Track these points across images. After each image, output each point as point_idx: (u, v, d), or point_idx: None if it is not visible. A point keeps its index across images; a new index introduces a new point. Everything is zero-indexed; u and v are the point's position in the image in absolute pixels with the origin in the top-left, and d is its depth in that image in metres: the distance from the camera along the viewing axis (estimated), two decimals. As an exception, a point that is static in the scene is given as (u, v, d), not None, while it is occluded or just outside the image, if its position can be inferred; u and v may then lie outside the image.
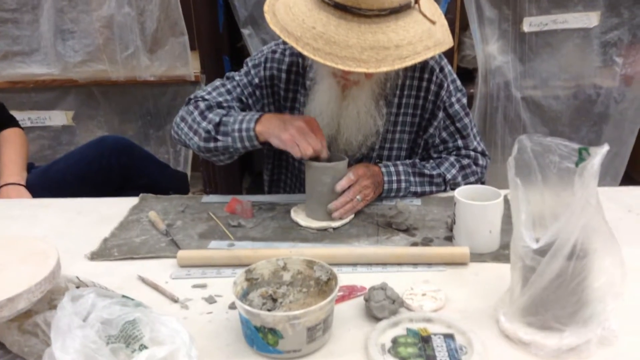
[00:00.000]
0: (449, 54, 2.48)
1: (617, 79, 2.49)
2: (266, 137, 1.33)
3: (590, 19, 2.41)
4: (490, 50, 2.48)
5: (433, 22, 1.22)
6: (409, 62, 1.16)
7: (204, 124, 1.41)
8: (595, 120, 2.56)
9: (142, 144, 2.68)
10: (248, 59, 1.55)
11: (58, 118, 2.66)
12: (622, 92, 2.51)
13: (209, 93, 1.50)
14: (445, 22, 1.28)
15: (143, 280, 1.10)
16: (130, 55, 2.48)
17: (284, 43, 1.52)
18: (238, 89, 1.51)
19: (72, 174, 1.81)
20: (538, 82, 2.52)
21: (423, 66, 1.46)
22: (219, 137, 1.39)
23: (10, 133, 1.92)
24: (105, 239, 1.27)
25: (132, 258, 1.19)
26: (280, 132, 1.30)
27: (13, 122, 1.98)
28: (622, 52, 2.46)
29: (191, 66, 2.51)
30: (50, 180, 1.80)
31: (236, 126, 1.36)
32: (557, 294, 0.83)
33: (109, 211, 1.41)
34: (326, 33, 1.14)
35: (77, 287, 0.95)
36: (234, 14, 2.58)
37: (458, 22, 2.51)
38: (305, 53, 1.15)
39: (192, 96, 1.52)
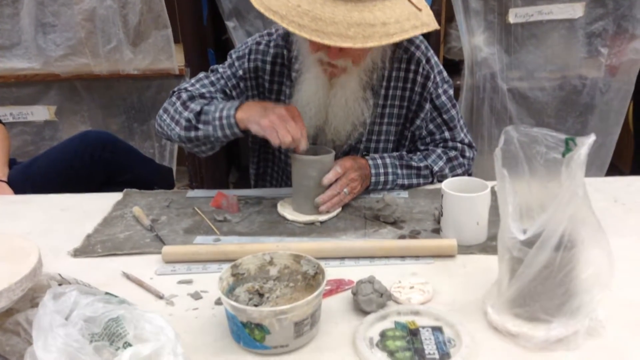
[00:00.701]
0: (435, 46, 2.48)
1: (603, 70, 2.50)
2: (246, 124, 1.31)
3: (575, 10, 2.41)
4: (476, 42, 2.47)
5: (419, 9, 1.22)
6: (396, 39, 1.16)
7: (185, 113, 1.40)
8: (581, 110, 2.57)
9: (127, 139, 2.65)
10: (232, 51, 1.54)
11: (40, 113, 2.62)
12: (607, 83, 2.51)
13: (192, 85, 1.50)
14: (431, 12, 1.28)
15: (127, 276, 1.08)
16: (113, 48, 2.44)
17: (269, 35, 1.51)
18: (222, 81, 1.50)
19: (55, 169, 1.78)
20: (524, 74, 2.53)
21: (409, 58, 1.45)
22: (200, 126, 1.38)
23: None
24: (88, 235, 1.25)
25: (115, 254, 1.17)
26: (260, 118, 1.28)
27: None
28: (607, 43, 2.46)
29: (175, 59, 2.47)
30: (32, 175, 1.77)
31: (217, 114, 1.35)
32: (544, 286, 0.83)
33: (93, 207, 1.39)
34: (312, 11, 1.14)
35: (60, 285, 0.93)
36: (218, 6, 2.56)
37: (444, 14, 2.50)
38: (290, 29, 1.15)
39: (175, 89, 1.51)
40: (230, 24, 2.57)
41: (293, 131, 1.25)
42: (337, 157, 1.38)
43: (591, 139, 0.79)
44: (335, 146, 1.44)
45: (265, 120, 1.26)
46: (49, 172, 1.77)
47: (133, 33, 2.44)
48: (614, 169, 2.70)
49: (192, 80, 1.52)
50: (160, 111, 1.48)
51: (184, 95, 1.44)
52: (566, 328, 0.84)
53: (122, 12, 2.40)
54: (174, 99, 1.46)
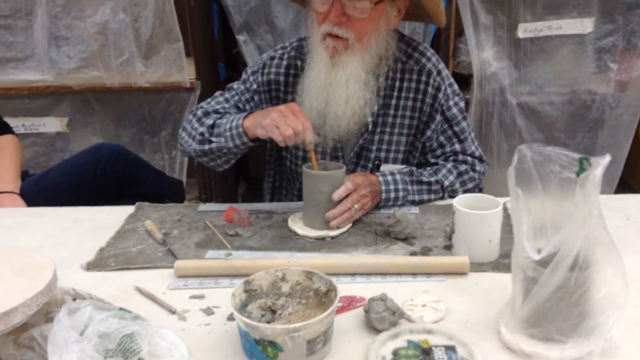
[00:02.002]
0: (444, 59, 2.49)
1: (612, 85, 2.50)
2: (253, 131, 1.35)
3: (584, 25, 2.42)
4: (485, 57, 2.48)
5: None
6: None
7: (200, 128, 1.45)
8: (591, 126, 2.56)
9: (137, 151, 2.67)
10: (248, 67, 1.60)
11: (52, 125, 2.64)
12: (617, 98, 2.51)
13: (208, 103, 1.55)
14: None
15: (140, 291, 1.08)
16: (125, 61, 2.47)
17: (282, 48, 1.56)
18: (236, 97, 1.54)
19: (67, 182, 1.79)
20: (533, 88, 2.53)
21: (420, 69, 1.47)
22: (213, 139, 1.42)
23: (5, 140, 1.91)
24: (101, 249, 1.25)
25: (128, 268, 1.17)
26: (263, 119, 1.31)
27: (7, 129, 1.96)
28: (616, 58, 2.46)
29: (186, 72, 2.50)
30: (44, 188, 1.78)
31: (227, 126, 1.39)
32: (559, 306, 0.83)
33: (105, 220, 1.40)
34: None
35: (74, 299, 0.94)
36: (229, 20, 2.58)
37: (453, 28, 2.51)
38: None
39: (193, 108, 1.57)
40: (240, 38, 2.60)
41: (294, 124, 1.26)
42: (346, 164, 1.41)
43: (606, 159, 0.79)
44: (340, 140, 1.47)
45: (267, 120, 1.29)
46: (61, 184, 1.78)
47: (145, 46, 2.46)
48: (624, 185, 2.68)
49: (209, 99, 1.56)
50: (180, 130, 1.54)
51: (199, 112, 1.50)
52: (581, 349, 0.83)
53: (135, 25, 2.42)
54: (190, 116, 1.52)
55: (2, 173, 1.81)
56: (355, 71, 1.38)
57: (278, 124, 1.26)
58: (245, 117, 1.37)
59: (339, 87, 1.39)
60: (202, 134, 1.44)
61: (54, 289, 0.89)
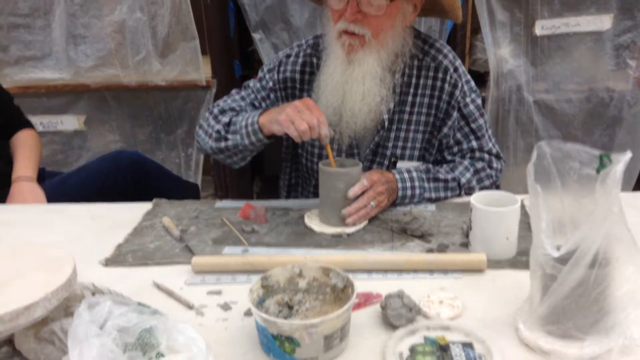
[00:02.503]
0: (460, 57, 2.47)
1: (631, 82, 2.47)
2: (269, 127, 1.35)
3: (602, 22, 2.39)
4: (502, 54, 2.47)
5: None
6: None
7: (216, 126, 1.46)
8: (609, 123, 2.54)
9: (154, 149, 2.69)
10: (264, 65, 1.60)
11: (70, 122, 2.67)
12: (635, 96, 2.48)
13: (224, 101, 1.56)
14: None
15: (158, 286, 1.09)
16: (142, 59, 2.49)
17: (298, 46, 1.56)
18: (252, 95, 1.54)
19: (87, 188, 1.82)
20: (550, 86, 2.51)
21: (437, 66, 1.47)
22: (229, 136, 1.43)
23: (25, 134, 1.94)
24: (119, 245, 1.26)
25: (146, 264, 1.18)
26: (278, 115, 1.31)
27: (28, 125, 1.99)
28: (635, 55, 2.44)
29: (202, 71, 2.51)
30: (65, 194, 1.80)
31: (243, 123, 1.39)
32: (578, 303, 0.82)
33: (123, 217, 1.41)
34: None
35: (93, 294, 0.95)
36: (245, 18, 2.59)
37: (469, 26, 2.50)
38: None
39: (210, 106, 1.56)
40: (256, 36, 2.60)
41: (308, 118, 1.27)
42: (362, 162, 1.41)
43: (627, 156, 0.78)
44: (357, 138, 1.47)
45: (282, 116, 1.29)
46: (82, 192, 1.79)
47: (162, 45, 2.48)
48: (643, 183, 2.65)
49: (225, 97, 1.57)
50: (197, 127, 1.55)
51: (216, 110, 1.51)
52: (600, 346, 0.83)
53: (151, 24, 2.44)
54: (207, 114, 1.53)
55: (21, 160, 1.84)
56: (371, 68, 1.38)
57: (293, 119, 1.27)
58: (260, 114, 1.38)
59: (355, 84, 1.39)
60: (218, 131, 1.45)
61: (74, 283, 0.90)
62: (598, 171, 0.82)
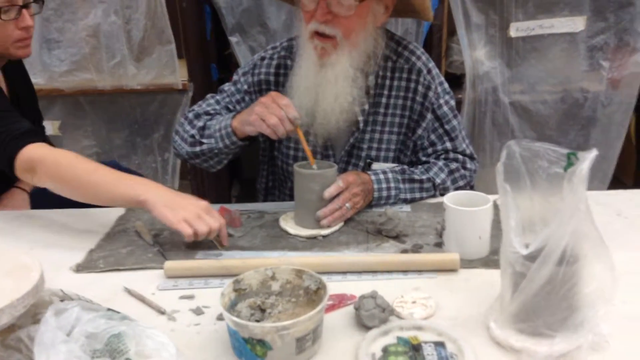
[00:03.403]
0: (436, 59, 2.49)
1: (604, 83, 2.50)
2: (242, 130, 1.37)
3: (576, 24, 2.42)
4: (477, 56, 2.48)
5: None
6: None
7: (191, 131, 1.47)
8: (583, 124, 2.57)
9: (130, 153, 2.67)
10: (239, 69, 1.61)
11: (45, 128, 2.63)
12: (609, 96, 2.52)
13: (199, 105, 1.56)
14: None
15: (129, 292, 1.08)
16: (117, 64, 2.47)
17: (273, 48, 1.56)
18: (227, 99, 1.55)
19: (66, 199, 1.79)
20: (526, 87, 2.53)
21: (410, 67, 1.47)
22: (204, 140, 1.45)
23: None
24: (91, 251, 1.25)
25: (118, 269, 1.17)
26: (248, 116, 1.33)
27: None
28: (608, 56, 2.47)
29: (178, 74, 2.50)
30: (48, 202, 1.77)
31: (217, 127, 1.41)
32: (547, 300, 0.82)
33: (95, 222, 1.39)
34: None
35: (62, 301, 0.93)
36: (222, 21, 2.58)
37: (446, 28, 2.52)
38: None
39: (186, 111, 1.57)
40: (233, 39, 2.59)
41: (276, 110, 1.28)
42: (338, 163, 1.41)
43: (593, 153, 0.79)
44: (331, 137, 1.47)
45: (252, 116, 1.31)
46: (61, 200, 1.77)
47: (137, 48, 2.46)
48: (617, 182, 2.69)
49: (200, 102, 1.58)
50: (173, 133, 1.56)
51: (190, 115, 1.52)
52: (569, 343, 0.83)
53: (126, 27, 2.42)
54: (182, 119, 1.54)
55: None
56: (343, 68, 1.38)
57: (262, 116, 1.28)
58: (233, 117, 1.39)
59: (328, 85, 1.39)
60: (192, 136, 1.46)
61: (41, 290, 0.89)
62: (566, 169, 0.83)
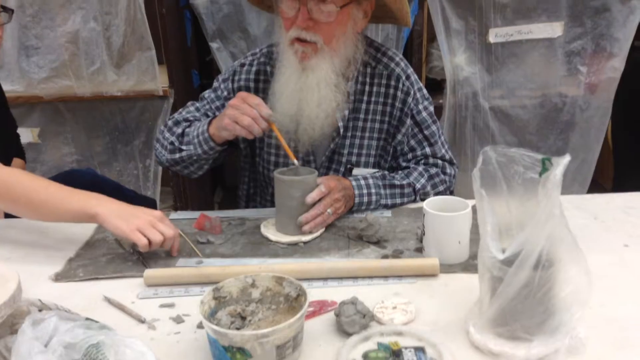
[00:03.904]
0: (417, 65, 2.51)
1: (582, 88, 2.54)
2: (218, 135, 1.37)
3: (554, 29, 2.45)
4: (457, 62, 2.51)
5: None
6: None
7: (170, 138, 1.48)
8: (562, 128, 2.60)
9: (111, 160, 2.65)
10: (219, 75, 1.60)
11: (24, 135, 2.59)
12: (587, 100, 2.55)
13: (179, 113, 1.56)
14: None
15: (109, 301, 1.07)
16: (97, 70, 2.45)
17: (252, 55, 1.56)
18: (207, 106, 1.55)
19: None
20: (505, 92, 2.56)
21: (389, 74, 1.49)
22: (183, 147, 1.45)
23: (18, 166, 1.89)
24: (70, 259, 1.24)
25: (97, 278, 1.16)
26: (222, 121, 1.33)
27: (22, 155, 1.95)
28: (586, 61, 2.50)
29: (159, 80, 2.48)
30: None
31: (195, 133, 1.42)
32: (524, 304, 0.83)
33: (74, 230, 1.38)
34: None
35: (40, 311, 0.92)
36: (202, 27, 2.57)
37: (425, 34, 2.54)
38: None
39: (167, 118, 1.57)
40: (214, 45, 2.59)
41: (247, 110, 1.28)
42: (318, 169, 1.43)
43: (566, 159, 0.80)
44: (314, 145, 1.47)
45: (225, 120, 1.31)
46: None
47: (117, 55, 2.45)
48: (596, 186, 2.73)
49: (181, 109, 1.58)
50: (154, 141, 1.56)
51: (170, 123, 1.52)
52: (547, 346, 0.84)
53: (106, 34, 2.41)
54: (162, 127, 1.53)
55: None
56: (325, 74, 1.38)
57: (235, 118, 1.29)
58: (209, 123, 1.40)
59: (311, 91, 1.40)
60: (172, 143, 1.47)
61: (18, 300, 0.88)
62: (541, 175, 0.85)
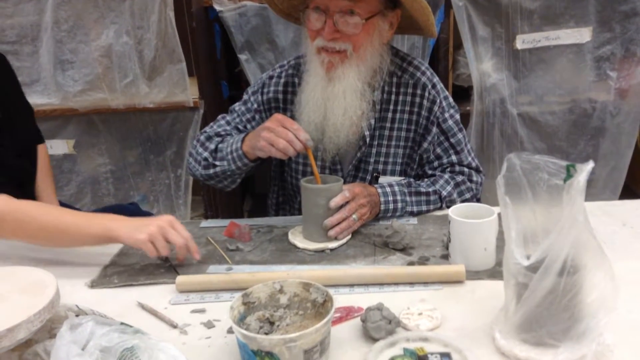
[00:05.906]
0: (444, 72, 2.52)
1: (612, 93, 2.50)
2: (252, 154, 1.40)
3: (582, 35, 2.43)
4: (484, 68, 2.50)
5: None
6: None
7: (204, 154, 1.50)
8: (592, 134, 2.57)
9: (143, 170, 2.71)
10: (249, 88, 1.63)
11: (59, 147, 2.68)
12: (617, 106, 2.52)
13: (211, 127, 1.59)
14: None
15: (142, 306, 1.11)
16: (129, 83, 2.51)
17: (280, 67, 1.59)
18: (237, 119, 1.58)
19: None
20: (533, 98, 2.54)
21: (415, 83, 1.50)
22: (217, 163, 1.47)
23: (43, 154, 1.89)
24: (105, 267, 1.28)
25: (131, 285, 1.20)
26: (257, 142, 1.34)
27: (42, 139, 1.96)
28: (615, 66, 2.47)
29: (189, 92, 2.53)
30: None
31: (229, 149, 1.44)
32: (550, 310, 0.84)
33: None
34: None
35: (77, 316, 0.96)
36: (231, 40, 2.62)
37: (452, 42, 2.54)
38: None
39: (198, 133, 1.60)
40: (242, 57, 2.63)
41: (283, 134, 1.30)
42: (345, 178, 1.46)
43: (589, 165, 0.80)
44: (340, 152, 1.49)
45: (260, 142, 1.33)
46: None
47: (149, 68, 2.50)
48: (628, 191, 2.68)
49: (212, 123, 1.61)
50: (187, 155, 1.61)
51: (202, 137, 1.55)
52: (573, 353, 0.84)
53: (138, 47, 2.47)
54: (194, 142, 1.57)
55: (50, 191, 1.83)
56: (352, 82, 1.40)
57: (270, 141, 1.30)
58: (243, 140, 1.42)
59: (337, 100, 1.42)
60: (205, 159, 1.50)
61: (57, 305, 0.91)
62: (565, 181, 0.85)
